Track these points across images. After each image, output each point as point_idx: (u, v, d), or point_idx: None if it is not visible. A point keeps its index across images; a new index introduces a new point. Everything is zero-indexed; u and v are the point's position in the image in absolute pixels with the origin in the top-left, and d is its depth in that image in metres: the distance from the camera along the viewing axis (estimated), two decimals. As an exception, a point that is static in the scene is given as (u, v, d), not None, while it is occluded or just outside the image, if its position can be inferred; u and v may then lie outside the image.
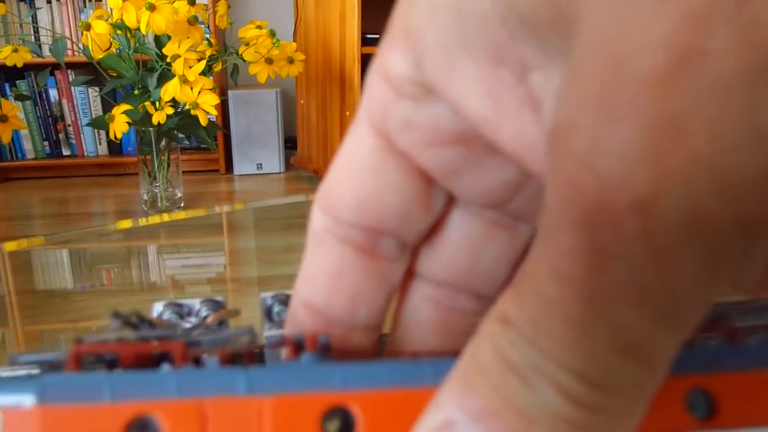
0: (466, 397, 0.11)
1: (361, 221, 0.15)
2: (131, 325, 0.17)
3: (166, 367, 0.14)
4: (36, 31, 2.35)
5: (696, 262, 0.10)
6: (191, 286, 0.80)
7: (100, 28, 1.58)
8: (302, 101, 2.52)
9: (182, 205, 1.97)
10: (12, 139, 1.92)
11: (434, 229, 0.16)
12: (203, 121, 1.66)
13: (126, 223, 1.03)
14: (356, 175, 0.15)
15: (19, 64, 1.69)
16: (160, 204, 1.91)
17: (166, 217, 1.04)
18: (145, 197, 1.93)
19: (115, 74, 1.74)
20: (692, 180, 0.09)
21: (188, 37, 1.60)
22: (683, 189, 0.09)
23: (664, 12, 0.09)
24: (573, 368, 0.10)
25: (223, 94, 2.28)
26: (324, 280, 0.16)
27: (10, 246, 0.86)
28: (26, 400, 0.13)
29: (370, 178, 0.15)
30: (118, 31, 1.63)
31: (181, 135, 1.89)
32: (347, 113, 2.20)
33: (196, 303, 0.23)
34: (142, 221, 1.05)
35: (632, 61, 0.09)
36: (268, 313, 0.23)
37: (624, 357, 0.10)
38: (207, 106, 1.62)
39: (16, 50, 1.68)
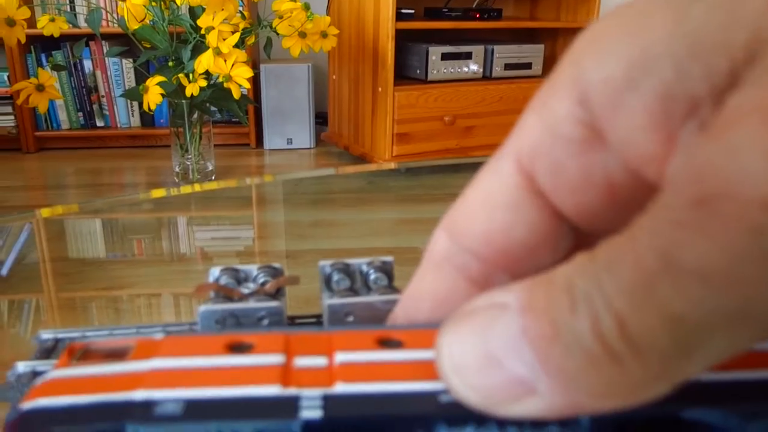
0: (525, 293, 0.13)
1: (486, 252, 0.16)
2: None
3: None
4: (72, 1, 2.37)
5: None
6: (220, 258, 0.80)
7: (136, -2, 1.58)
8: (334, 76, 2.51)
9: (213, 177, 1.98)
10: (48, 109, 1.95)
11: None
12: (236, 94, 1.66)
13: (159, 192, 1.03)
14: (490, 207, 0.16)
15: (56, 34, 1.71)
16: (191, 176, 1.93)
17: (197, 188, 1.04)
18: (177, 169, 1.95)
19: (149, 46, 1.74)
20: None
21: (222, 9, 1.60)
22: None
23: None
24: (618, 312, 0.11)
25: (254, 67, 2.28)
26: (429, 303, 0.17)
27: (45, 212, 0.87)
28: (156, 335, 0.19)
29: (503, 212, 0.15)
30: (153, 3, 1.64)
31: (212, 108, 1.90)
32: (379, 89, 2.19)
33: (253, 269, 0.25)
34: (174, 191, 1.06)
35: None
36: (327, 282, 0.24)
37: (667, 328, 0.11)
38: (240, 78, 1.61)
39: (53, 20, 1.70)
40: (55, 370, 0.19)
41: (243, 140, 2.61)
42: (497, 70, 2.32)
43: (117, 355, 0.19)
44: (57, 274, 0.71)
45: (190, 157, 1.90)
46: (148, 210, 0.97)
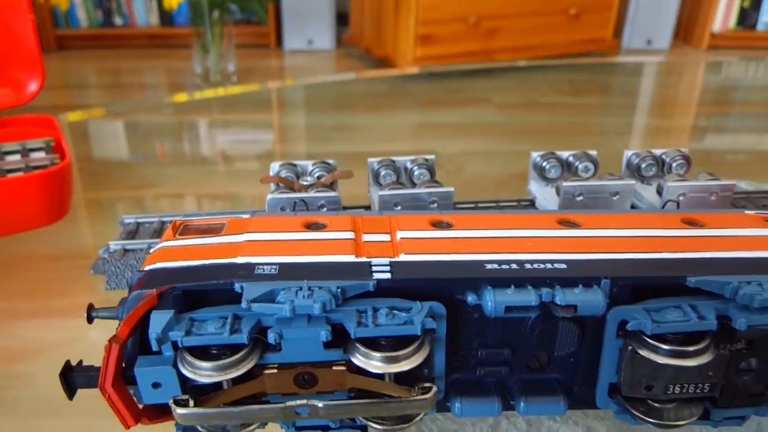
0: None
1: None
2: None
3: None
4: None
5: None
6: (242, 161, 0.82)
7: None
8: (356, -26, 2.43)
9: (234, 79, 1.97)
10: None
11: None
12: (255, -7, 1.62)
13: (182, 97, 1.04)
14: None
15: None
16: (212, 77, 1.92)
17: (221, 92, 1.04)
18: (198, 70, 1.94)
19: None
20: None
21: None
22: None
23: None
24: None
25: (274, -36, 2.21)
26: None
27: (72, 116, 0.88)
28: (244, 216, 0.23)
29: None
30: None
31: (232, 7, 1.86)
32: (402, -11, 2.12)
33: (309, 164, 0.29)
34: (197, 94, 1.06)
35: None
36: (375, 177, 0.29)
37: None
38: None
39: None
40: (165, 242, 0.23)
41: (263, 41, 2.56)
42: (525, -31, 2.22)
43: (212, 231, 0.23)
44: (84, 174, 0.73)
45: (210, 57, 1.89)
46: (171, 113, 0.98)
